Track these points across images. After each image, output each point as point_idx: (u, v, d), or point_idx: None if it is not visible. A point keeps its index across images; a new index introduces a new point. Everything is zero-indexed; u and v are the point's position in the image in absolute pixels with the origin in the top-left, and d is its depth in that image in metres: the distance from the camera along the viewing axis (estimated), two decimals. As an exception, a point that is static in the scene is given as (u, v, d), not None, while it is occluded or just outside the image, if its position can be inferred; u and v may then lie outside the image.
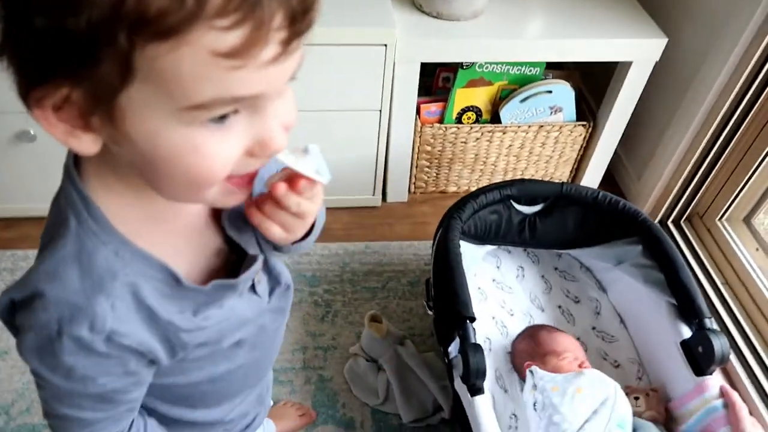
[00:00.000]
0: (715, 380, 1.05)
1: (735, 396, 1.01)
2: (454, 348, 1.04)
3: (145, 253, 0.47)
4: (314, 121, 1.42)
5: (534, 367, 1.14)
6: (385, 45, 1.30)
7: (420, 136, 1.57)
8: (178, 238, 0.52)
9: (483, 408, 0.98)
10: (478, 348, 1.00)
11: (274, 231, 0.50)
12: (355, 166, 1.56)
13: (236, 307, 0.55)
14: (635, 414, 1.11)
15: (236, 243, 0.55)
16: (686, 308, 1.12)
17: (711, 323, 1.08)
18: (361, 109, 1.42)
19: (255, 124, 0.41)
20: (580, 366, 1.16)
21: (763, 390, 1.31)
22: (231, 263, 0.56)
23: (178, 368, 0.55)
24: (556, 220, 1.30)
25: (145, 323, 0.48)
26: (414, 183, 1.70)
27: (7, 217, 1.54)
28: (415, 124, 1.53)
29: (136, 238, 0.46)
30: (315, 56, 1.29)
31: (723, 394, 1.03)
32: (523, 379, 1.20)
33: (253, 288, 0.58)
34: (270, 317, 0.63)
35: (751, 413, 1.28)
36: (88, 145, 0.40)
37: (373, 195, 1.65)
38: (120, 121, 0.38)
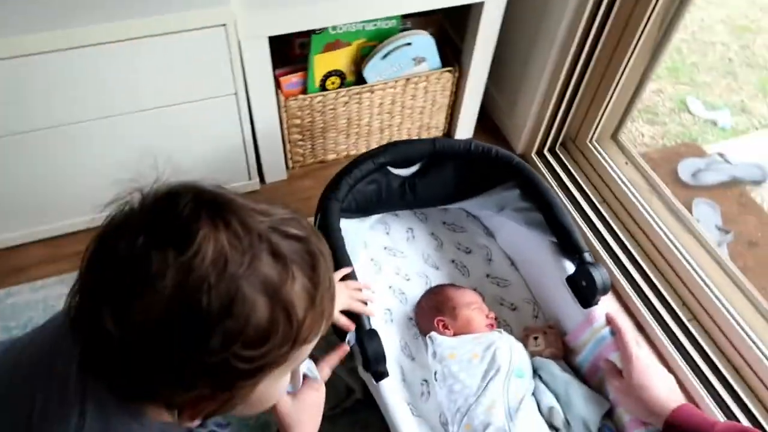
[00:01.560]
0: (601, 310, 1.09)
1: (619, 321, 1.06)
2: (351, 336, 1.02)
3: None
4: (165, 118, 1.30)
5: (432, 334, 1.15)
6: (224, 25, 1.19)
7: (286, 111, 1.48)
8: None
9: (388, 391, 0.97)
10: (373, 334, 0.98)
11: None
12: (223, 154, 1.46)
13: None
14: (536, 354, 1.16)
15: None
16: (566, 245, 1.16)
17: (590, 257, 1.12)
18: (214, 96, 1.31)
19: None
20: (487, 317, 1.18)
21: (649, 300, 1.40)
22: None
23: None
24: (435, 178, 1.29)
25: None
26: (290, 159, 1.63)
27: None
28: (278, 100, 1.44)
29: None
30: (148, 50, 1.17)
31: (609, 321, 1.08)
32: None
33: None
34: None
35: (641, 330, 1.38)
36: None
37: (250, 179, 1.57)
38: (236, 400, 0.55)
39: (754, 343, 1.26)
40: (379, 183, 1.25)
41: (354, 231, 1.23)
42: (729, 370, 1.28)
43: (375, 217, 1.33)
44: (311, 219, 1.17)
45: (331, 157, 1.67)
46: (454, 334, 1.16)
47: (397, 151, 1.24)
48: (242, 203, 0.51)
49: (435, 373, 1.09)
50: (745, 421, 1.20)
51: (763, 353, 1.24)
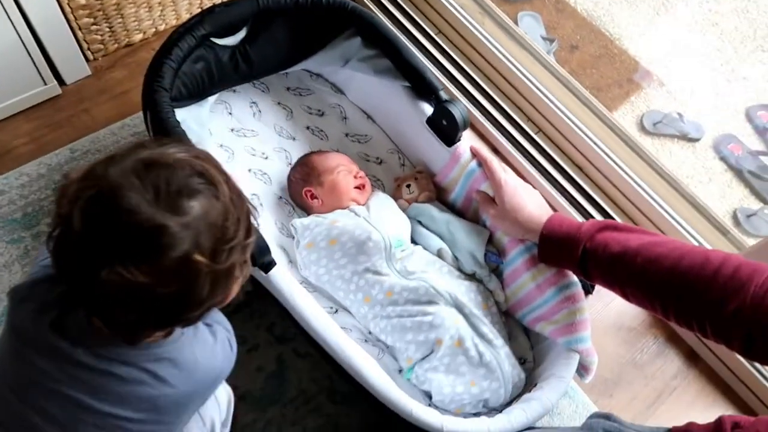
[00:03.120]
0: (465, 145, 1.10)
1: (483, 152, 1.08)
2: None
3: None
4: None
5: (293, 221, 1.10)
6: None
7: (63, -10, 1.20)
8: None
9: (280, 279, 0.93)
10: (249, 228, 0.91)
11: None
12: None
13: None
14: (411, 200, 1.16)
15: None
16: (420, 87, 1.12)
17: (445, 95, 1.10)
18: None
19: None
20: (355, 177, 1.15)
21: (498, 122, 1.45)
22: None
23: None
24: (267, 41, 1.15)
25: None
26: (88, 49, 1.36)
27: None
28: (48, -23, 1.16)
29: None
30: None
31: (474, 154, 1.10)
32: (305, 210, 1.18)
33: None
34: None
35: (496, 152, 1.43)
36: None
37: (46, 84, 1.30)
38: None
39: (592, 141, 1.37)
40: (207, 59, 1.09)
41: (193, 119, 1.09)
42: (575, 170, 1.40)
43: (212, 99, 1.18)
44: (139, 115, 1.00)
45: (138, 37, 1.43)
46: (323, 203, 1.13)
47: (216, 18, 1.07)
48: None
49: (300, 262, 1.10)
50: (596, 214, 1.35)
51: (601, 149, 1.36)
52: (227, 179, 0.63)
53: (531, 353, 1.09)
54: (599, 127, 1.42)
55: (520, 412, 0.89)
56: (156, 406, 0.67)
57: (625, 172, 1.34)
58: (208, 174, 0.61)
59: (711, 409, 1.20)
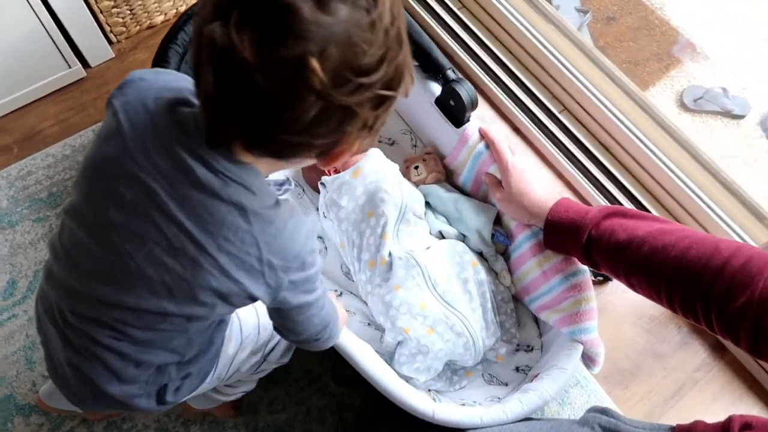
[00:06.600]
0: (473, 126, 1.07)
1: (491, 133, 1.04)
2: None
3: None
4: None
5: (323, 178, 1.09)
6: None
7: (82, -25, 1.23)
8: None
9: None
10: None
11: None
12: (24, 47, 1.22)
13: None
14: (419, 182, 1.14)
15: None
16: (427, 66, 1.09)
17: (454, 73, 1.06)
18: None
19: None
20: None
21: (520, 101, 1.39)
22: None
23: None
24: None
25: None
26: (111, 32, 1.39)
27: None
28: (67, -38, 1.18)
29: None
30: None
31: (482, 135, 1.06)
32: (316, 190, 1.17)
33: None
34: None
35: (517, 132, 1.38)
36: None
37: (70, 67, 1.34)
38: None
39: (620, 121, 1.30)
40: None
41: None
42: (601, 151, 1.33)
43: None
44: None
45: (159, 19, 1.45)
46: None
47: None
48: None
49: (323, 214, 1.08)
50: (624, 200, 1.28)
51: (629, 130, 1.29)
52: (395, 8, 0.52)
53: (539, 341, 1.06)
54: (629, 105, 1.34)
55: (516, 403, 0.87)
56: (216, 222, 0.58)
57: (655, 154, 1.26)
58: None
59: (736, 405, 1.14)
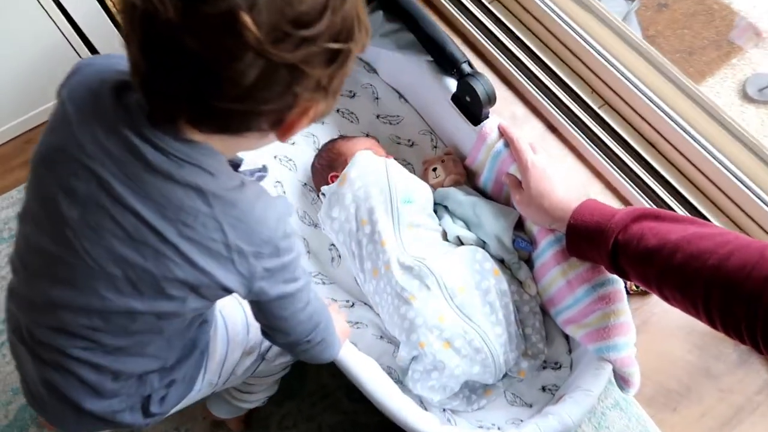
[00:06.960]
0: (492, 124, 0.98)
1: (510, 131, 0.96)
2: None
3: None
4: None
5: (323, 187, 1.04)
6: None
7: (103, -15, 1.23)
8: None
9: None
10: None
11: None
12: (48, 59, 1.23)
13: None
14: (438, 185, 1.07)
15: None
16: (441, 60, 1.02)
17: (469, 67, 0.98)
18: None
19: None
20: None
21: (556, 96, 1.29)
22: None
23: None
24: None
25: None
26: (135, 41, 1.40)
27: None
28: (86, -27, 1.19)
29: None
30: None
31: (502, 133, 0.97)
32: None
33: None
34: None
35: (553, 130, 1.28)
36: None
37: (96, 78, 1.35)
38: None
39: (667, 114, 1.17)
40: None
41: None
42: (645, 147, 1.21)
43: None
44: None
45: (183, 27, 1.44)
46: None
47: None
48: None
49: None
50: (672, 204, 1.16)
51: (677, 123, 1.16)
52: None
53: (569, 357, 0.96)
54: (679, 97, 1.21)
55: (533, 428, 0.78)
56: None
57: (709, 151, 1.12)
58: None
59: (805, 433, 0.99)
